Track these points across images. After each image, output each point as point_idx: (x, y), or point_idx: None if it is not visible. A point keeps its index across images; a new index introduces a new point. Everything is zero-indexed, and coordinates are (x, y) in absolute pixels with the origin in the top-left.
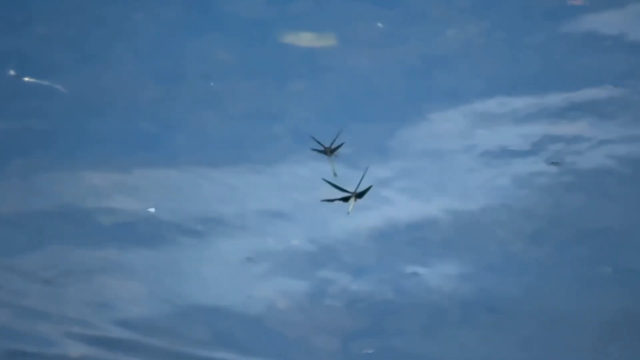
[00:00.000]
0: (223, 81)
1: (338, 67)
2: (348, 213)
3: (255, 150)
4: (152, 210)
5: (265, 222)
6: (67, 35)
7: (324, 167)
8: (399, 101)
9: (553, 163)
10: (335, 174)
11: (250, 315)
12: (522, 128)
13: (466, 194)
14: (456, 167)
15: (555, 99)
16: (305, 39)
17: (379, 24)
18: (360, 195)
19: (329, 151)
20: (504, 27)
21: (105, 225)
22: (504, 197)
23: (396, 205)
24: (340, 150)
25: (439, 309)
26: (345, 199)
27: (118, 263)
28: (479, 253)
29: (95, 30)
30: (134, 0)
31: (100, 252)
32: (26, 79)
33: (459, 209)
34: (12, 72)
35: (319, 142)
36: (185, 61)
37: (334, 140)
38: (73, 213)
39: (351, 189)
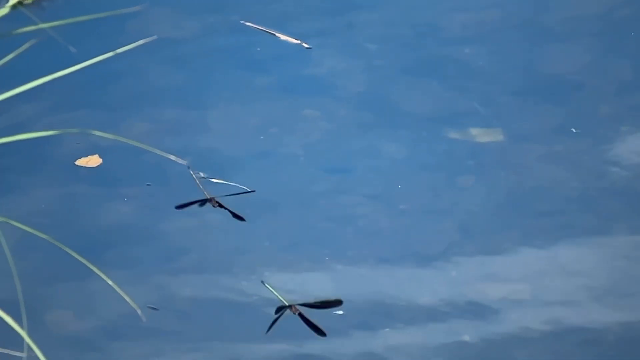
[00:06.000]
0: (392, 175)
1: (505, 163)
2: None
3: (424, 245)
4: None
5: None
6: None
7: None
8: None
9: None
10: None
11: None
12: None
13: None
14: None
15: None
16: (472, 134)
17: (573, 129)
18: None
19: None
20: None
21: None
22: None
23: None
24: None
25: None
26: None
27: None
28: None
29: (270, 127)
30: (305, 99)
31: None
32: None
33: None
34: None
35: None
36: (355, 155)
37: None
38: None
39: None
